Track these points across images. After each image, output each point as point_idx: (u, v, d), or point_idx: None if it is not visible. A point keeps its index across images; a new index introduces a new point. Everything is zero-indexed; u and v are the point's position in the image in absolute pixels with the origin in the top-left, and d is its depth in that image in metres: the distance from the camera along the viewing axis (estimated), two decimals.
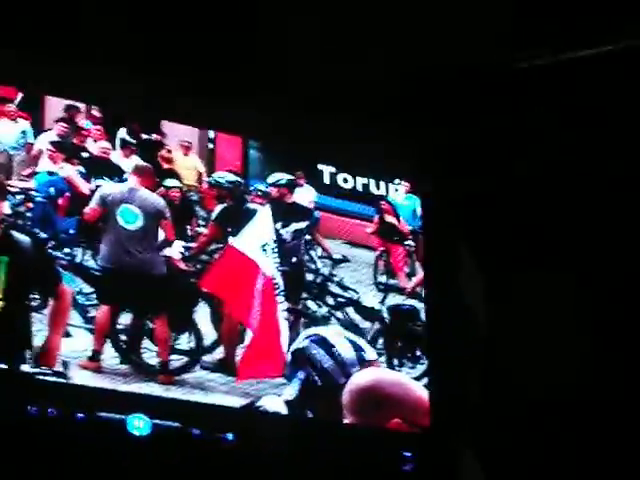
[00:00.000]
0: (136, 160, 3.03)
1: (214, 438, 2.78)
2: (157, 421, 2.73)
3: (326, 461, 2.86)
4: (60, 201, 2.92)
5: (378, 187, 3.33)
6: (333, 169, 3.26)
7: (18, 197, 2.83)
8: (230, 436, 2.80)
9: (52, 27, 2.95)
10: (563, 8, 2.89)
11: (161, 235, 2.96)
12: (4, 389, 2.61)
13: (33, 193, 2.90)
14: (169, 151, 3.10)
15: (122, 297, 2.92)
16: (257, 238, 3.04)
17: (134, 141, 3.06)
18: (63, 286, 2.77)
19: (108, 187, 2.98)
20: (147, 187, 2.96)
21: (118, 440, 2.67)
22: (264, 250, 3.04)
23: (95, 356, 2.85)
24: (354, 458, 2.89)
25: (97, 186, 2.96)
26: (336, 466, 2.84)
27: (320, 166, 3.24)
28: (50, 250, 2.81)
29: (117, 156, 3.07)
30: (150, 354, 2.95)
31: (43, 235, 2.83)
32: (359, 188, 3.30)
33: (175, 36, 2.97)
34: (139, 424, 2.71)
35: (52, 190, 2.91)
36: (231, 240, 3.01)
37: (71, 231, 2.90)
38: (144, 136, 3.07)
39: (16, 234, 2.73)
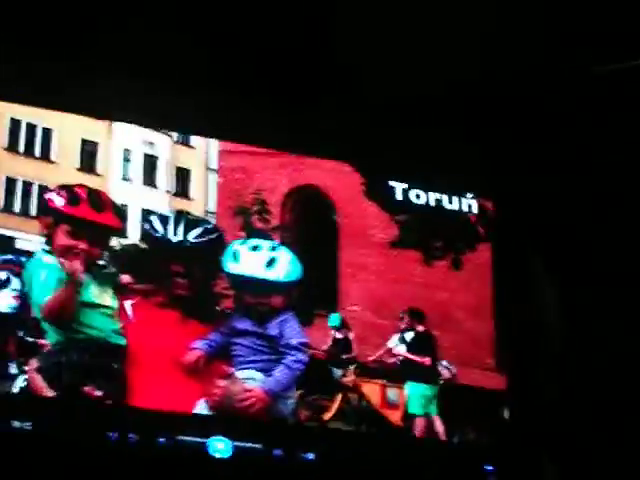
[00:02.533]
0: None
1: (295, 458, 2.81)
2: (238, 443, 2.77)
3: (407, 477, 2.87)
4: None
5: (451, 202, 3.32)
6: (405, 185, 3.26)
7: None
8: (311, 455, 2.83)
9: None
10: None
11: None
12: (83, 416, 2.69)
13: None
14: None
15: None
16: None
17: None
18: None
19: None
20: None
21: (200, 463, 2.72)
22: None
23: None
24: (435, 474, 2.89)
25: None
26: None
27: (392, 182, 3.25)
28: None
29: None
30: None
31: None
32: (432, 203, 3.29)
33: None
34: (220, 446, 2.76)
35: None
36: None
37: None
38: None
39: None
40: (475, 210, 3.44)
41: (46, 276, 2.83)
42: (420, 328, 3.37)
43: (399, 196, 3.40)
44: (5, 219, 3.06)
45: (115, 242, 3.00)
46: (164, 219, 3.03)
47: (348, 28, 2.98)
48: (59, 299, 2.78)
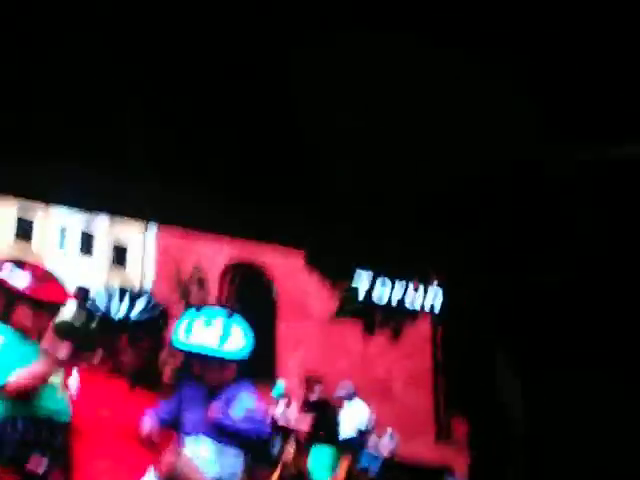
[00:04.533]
0: None
1: None
2: None
3: None
4: None
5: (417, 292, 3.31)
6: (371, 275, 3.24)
7: None
8: None
9: None
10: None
11: None
12: None
13: None
14: None
15: None
16: None
17: None
18: None
19: None
20: None
21: None
22: None
23: None
24: None
25: None
26: None
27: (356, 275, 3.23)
28: None
29: None
30: None
31: None
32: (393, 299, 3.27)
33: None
34: None
35: None
36: None
37: None
38: None
39: None
40: (435, 302, 3.43)
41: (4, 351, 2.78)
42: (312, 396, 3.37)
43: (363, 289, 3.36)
44: None
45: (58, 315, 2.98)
46: (106, 296, 2.99)
47: (313, 106, 2.97)
48: (34, 375, 2.73)
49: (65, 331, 2.93)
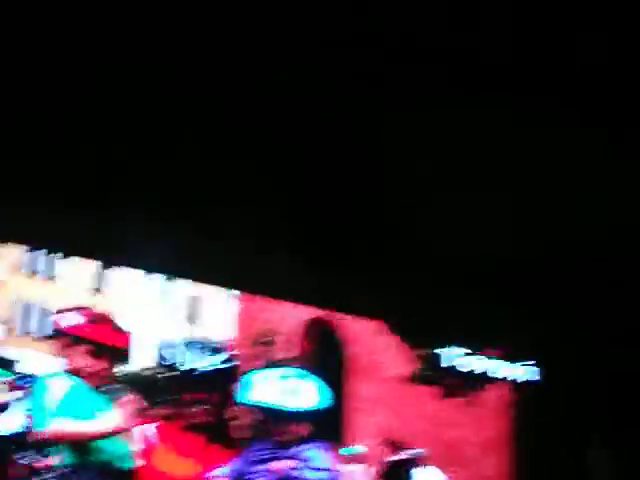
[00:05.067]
0: None
1: None
2: None
3: None
4: None
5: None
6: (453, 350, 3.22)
7: None
8: None
9: None
10: None
11: None
12: None
13: None
14: None
15: None
16: None
17: None
18: None
19: None
20: None
21: None
22: None
23: None
24: None
25: None
26: None
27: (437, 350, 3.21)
28: None
29: None
30: None
31: None
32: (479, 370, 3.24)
33: None
34: None
35: None
36: None
37: None
38: None
39: None
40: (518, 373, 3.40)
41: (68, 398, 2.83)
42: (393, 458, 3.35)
43: (444, 363, 3.34)
44: (16, 340, 3.10)
45: (124, 367, 3.02)
46: (176, 349, 3.03)
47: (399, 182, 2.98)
48: (108, 427, 2.79)
49: (132, 381, 2.98)
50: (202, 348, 2.99)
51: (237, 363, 3.00)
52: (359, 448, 3.27)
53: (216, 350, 3.01)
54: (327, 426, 3.08)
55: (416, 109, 2.70)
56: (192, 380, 2.90)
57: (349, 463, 3.20)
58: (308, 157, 2.81)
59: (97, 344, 2.79)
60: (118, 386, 2.90)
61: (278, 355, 3.11)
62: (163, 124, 2.76)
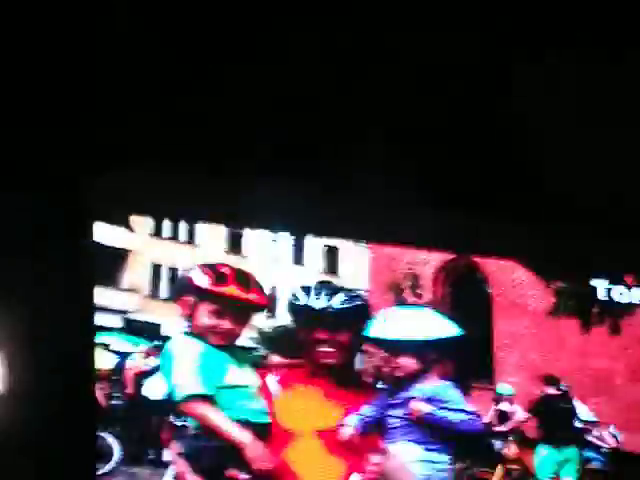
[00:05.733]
0: None
1: None
2: None
3: None
4: None
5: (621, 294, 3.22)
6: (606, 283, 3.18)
7: None
8: None
9: None
10: None
11: None
12: None
13: None
14: None
15: None
16: None
17: None
18: None
19: None
20: None
21: None
22: None
23: None
24: None
25: None
26: None
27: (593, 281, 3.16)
28: None
29: None
30: None
31: None
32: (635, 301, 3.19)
33: None
34: None
35: None
36: None
37: None
38: None
39: None
40: None
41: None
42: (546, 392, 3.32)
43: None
44: (152, 305, 3.13)
45: (263, 323, 3.02)
46: (307, 289, 3.04)
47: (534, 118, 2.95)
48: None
49: (270, 339, 3.00)
50: (333, 290, 2.99)
51: (365, 301, 2.99)
52: (509, 387, 3.25)
53: (342, 290, 3.01)
54: (471, 366, 3.07)
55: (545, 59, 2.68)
56: (319, 319, 2.90)
57: (499, 402, 3.19)
58: (437, 108, 2.80)
59: (224, 302, 2.81)
60: (253, 345, 2.92)
61: (417, 299, 3.09)
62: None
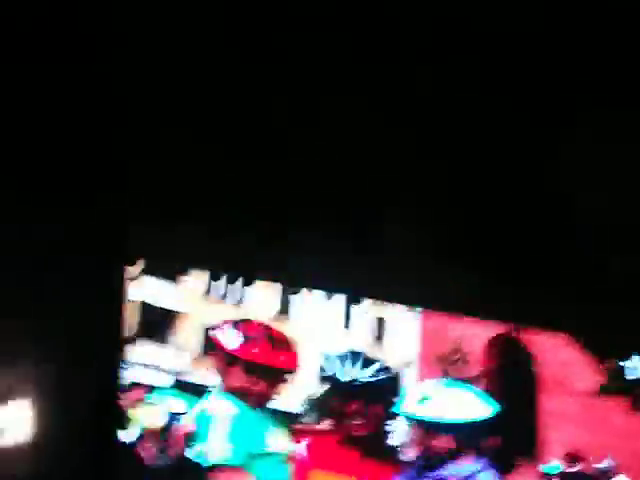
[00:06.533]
0: None
1: None
2: None
3: None
4: None
5: None
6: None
7: None
8: None
9: None
10: None
11: None
12: None
13: None
14: None
15: None
16: None
17: None
18: None
19: None
20: None
21: None
22: None
23: None
24: None
25: None
26: None
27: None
28: None
29: None
30: None
31: None
32: None
33: None
34: None
35: None
36: None
37: None
38: None
39: None
40: None
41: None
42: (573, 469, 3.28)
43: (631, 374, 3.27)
44: (203, 366, 3.14)
45: (305, 389, 3.01)
46: (337, 359, 3.02)
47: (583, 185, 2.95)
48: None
49: (313, 404, 2.99)
50: (360, 359, 2.97)
51: (396, 373, 2.97)
52: (557, 465, 3.23)
53: (375, 361, 2.98)
54: (513, 444, 3.04)
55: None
56: (352, 391, 2.89)
57: None
58: (481, 170, 2.81)
59: (255, 364, 2.79)
60: (295, 410, 2.91)
61: (465, 373, 3.09)
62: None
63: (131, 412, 3.04)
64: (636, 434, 3.21)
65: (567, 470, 3.27)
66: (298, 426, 2.94)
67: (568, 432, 3.24)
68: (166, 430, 3.07)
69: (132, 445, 3.01)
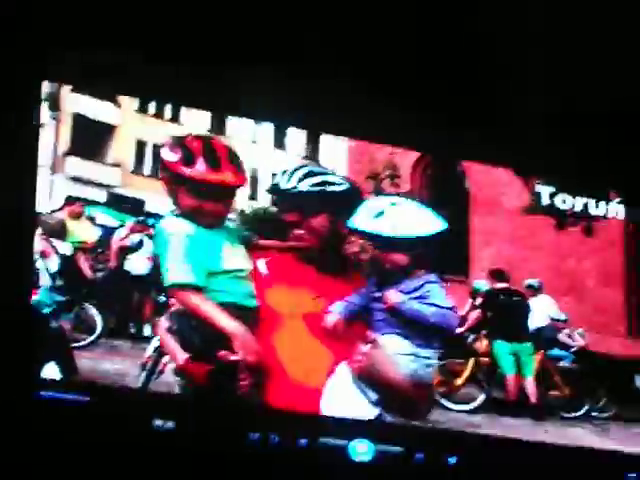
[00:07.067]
0: None
1: (437, 462, 2.78)
2: (380, 446, 2.75)
3: None
4: None
5: (597, 207, 3.23)
6: (552, 189, 3.19)
7: None
8: (453, 459, 2.78)
9: None
10: None
11: None
12: (225, 416, 2.72)
13: None
14: None
15: None
16: None
17: None
18: None
19: None
20: None
21: (340, 466, 2.71)
22: None
23: None
24: None
25: None
26: None
27: (538, 187, 3.17)
28: None
29: None
30: None
31: None
32: (577, 209, 3.21)
33: None
34: (362, 449, 2.75)
35: None
36: None
37: None
38: None
39: None
40: (622, 216, 3.34)
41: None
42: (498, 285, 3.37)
43: (545, 200, 3.31)
44: (136, 181, 3.13)
45: (246, 205, 3.00)
46: (285, 172, 2.95)
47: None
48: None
49: (251, 221, 2.97)
50: (304, 170, 2.91)
51: (348, 187, 2.94)
52: (485, 283, 3.30)
53: (324, 173, 2.92)
54: (447, 261, 3.08)
55: None
56: (291, 200, 2.85)
57: (475, 298, 3.22)
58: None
59: (202, 182, 2.73)
60: (235, 226, 2.89)
61: (391, 189, 3.08)
62: None
63: (69, 224, 3.02)
64: (561, 253, 3.28)
65: (495, 286, 3.34)
66: (256, 243, 2.90)
67: (498, 250, 3.30)
68: (101, 244, 3.08)
69: (69, 258, 3.00)
